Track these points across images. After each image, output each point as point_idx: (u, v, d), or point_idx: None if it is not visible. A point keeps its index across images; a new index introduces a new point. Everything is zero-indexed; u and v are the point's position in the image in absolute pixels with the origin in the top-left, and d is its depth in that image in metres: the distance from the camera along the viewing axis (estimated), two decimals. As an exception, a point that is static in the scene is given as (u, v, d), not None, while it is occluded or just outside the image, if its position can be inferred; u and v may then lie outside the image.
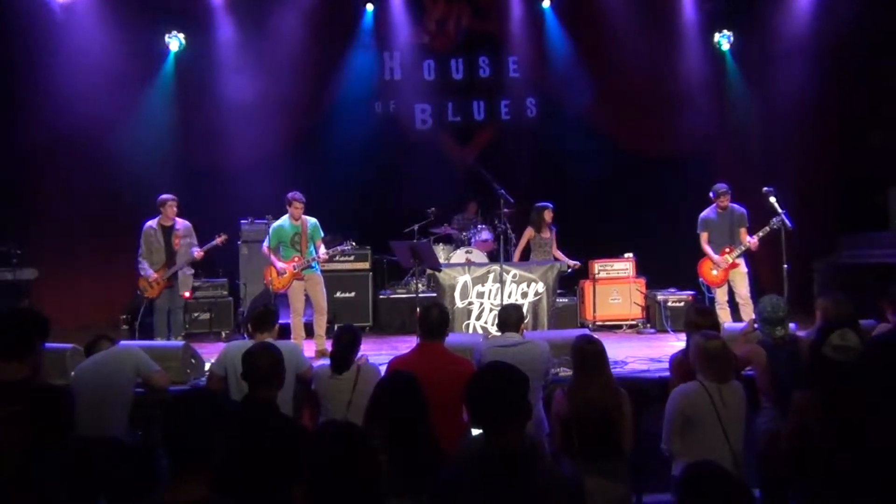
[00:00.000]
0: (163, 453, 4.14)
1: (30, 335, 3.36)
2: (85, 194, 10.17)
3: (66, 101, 9.95)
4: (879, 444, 3.13)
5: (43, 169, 10.16)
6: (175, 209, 8.23)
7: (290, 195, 8.05)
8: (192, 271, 8.54)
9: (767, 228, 7.93)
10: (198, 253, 8.22)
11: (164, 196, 8.23)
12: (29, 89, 9.88)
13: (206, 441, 2.43)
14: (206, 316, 9.54)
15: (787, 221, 7.74)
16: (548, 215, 9.13)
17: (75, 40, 9.87)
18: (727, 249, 8.22)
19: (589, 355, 4.33)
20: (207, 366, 6.30)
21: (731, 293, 8.29)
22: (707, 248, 8.31)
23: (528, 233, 9.22)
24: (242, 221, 9.88)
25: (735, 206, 8.33)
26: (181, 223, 8.30)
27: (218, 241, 8.35)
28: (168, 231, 8.23)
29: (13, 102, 9.80)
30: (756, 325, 5.08)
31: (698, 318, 4.86)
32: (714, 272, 8.27)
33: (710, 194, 8.37)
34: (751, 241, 8.11)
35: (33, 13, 9.69)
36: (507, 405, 2.68)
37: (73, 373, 5.47)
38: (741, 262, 8.23)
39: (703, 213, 8.43)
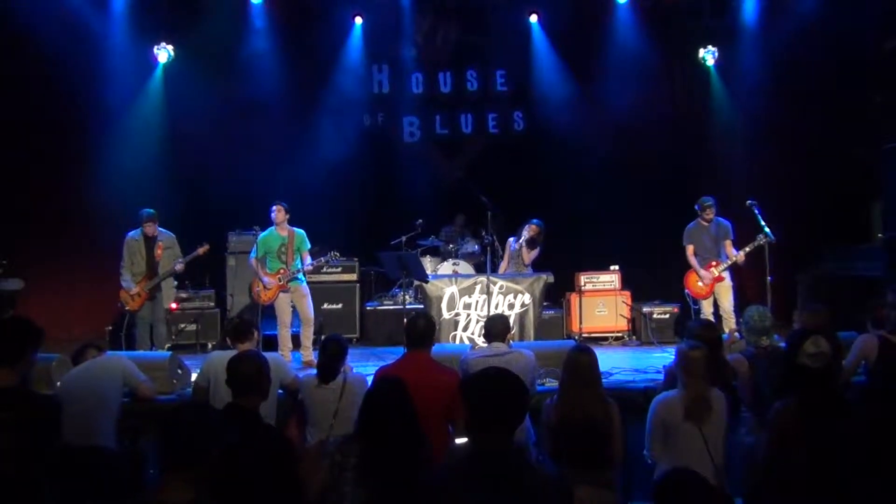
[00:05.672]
0: (149, 462, 4.17)
1: (23, 343, 3.38)
2: (72, 205, 10.15)
3: (52, 110, 9.97)
4: (855, 450, 3.19)
5: (29, 179, 10.13)
6: (153, 227, 8.20)
7: (271, 207, 8.12)
8: (176, 283, 8.54)
9: (755, 244, 8.01)
10: (179, 266, 8.23)
11: (145, 212, 8.23)
12: (15, 98, 9.86)
13: (198, 448, 2.55)
14: (192, 327, 9.52)
15: (769, 234, 7.83)
16: (526, 231, 9.13)
17: (63, 51, 9.86)
18: (713, 263, 8.30)
19: (582, 365, 4.36)
20: (194, 376, 6.30)
21: (714, 306, 8.36)
22: (693, 261, 8.39)
23: (507, 244, 9.28)
24: (230, 233, 9.90)
25: (720, 219, 8.41)
26: (164, 233, 8.31)
27: (200, 251, 8.35)
28: (151, 241, 8.23)
29: (1, 113, 9.77)
30: (738, 335, 5.14)
31: (702, 332, 4.87)
32: (700, 284, 8.35)
33: (696, 207, 8.46)
34: (736, 255, 8.19)
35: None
36: (506, 408, 2.72)
37: (58, 382, 5.48)
38: (726, 275, 8.31)
39: (689, 226, 8.52)
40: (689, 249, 8.44)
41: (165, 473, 2.55)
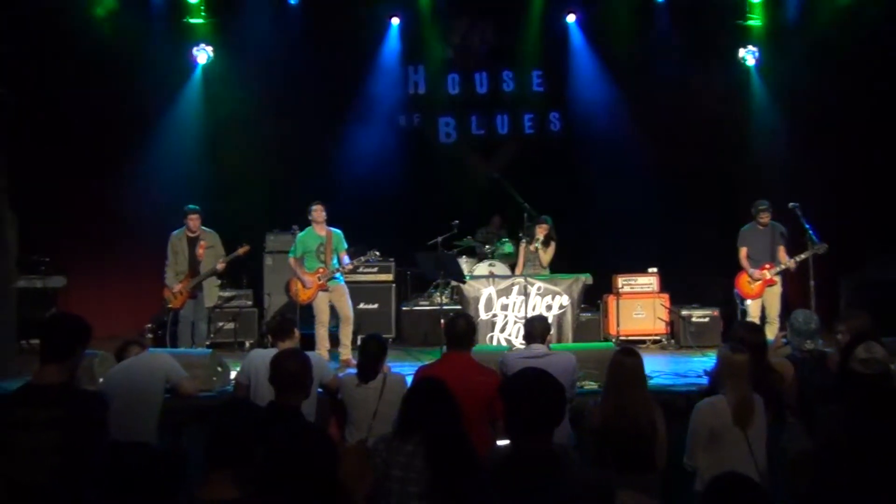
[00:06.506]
0: (191, 459, 4.19)
1: (72, 340, 3.42)
2: (112, 204, 10.30)
3: (94, 110, 10.11)
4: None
5: (71, 179, 10.30)
6: (196, 221, 8.31)
7: (310, 206, 8.19)
8: (219, 282, 8.63)
9: (809, 252, 7.88)
10: (220, 265, 8.30)
11: (187, 207, 8.35)
12: (59, 99, 10.02)
13: (244, 445, 2.59)
14: (230, 326, 9.60)
15: (814, 237, 7.71)
16: (538, 230, 8.97)
17: (104, 52, 10.01)
18: (767, 266, 8.20)
19: (627, 368, 4.30)
20: (233, 374, 6.36)
21: (761, 311, 8.25)
22: (745, 263, 8.32)
23: (522, 245, 9.15)
24: (268, 232, 9.98)
25: (776, 224, 8.32)
26: (207, 232, 8.40)
27: (240, 251, 8.42)
28: (193, 241, 8.33)
29: (45, 113, 9.93)
30: (784, 340, 5.05)
31: (747, 335, 4.76)
32: (751, 284, 8.25)
33: (752, 210, 8.36)
34: (789, 261, 8.08)
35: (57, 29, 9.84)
36: (544, 410, 2.71)
37: (101, 378, 5.55)
38: (778, 280, 8.21)
39: (744, 228, 8.44)
40: (743, 252, 8.36)
41: (211, 471, 2.56)
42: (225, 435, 2.56)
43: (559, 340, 7.90)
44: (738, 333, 4.95)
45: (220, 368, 6.54)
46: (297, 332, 5.34)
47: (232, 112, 10.69)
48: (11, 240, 7.99)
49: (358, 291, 9.55)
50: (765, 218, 8.27)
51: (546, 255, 8.95)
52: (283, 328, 5.23)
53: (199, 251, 8.29)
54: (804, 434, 4.41)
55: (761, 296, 8.22)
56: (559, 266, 9.09)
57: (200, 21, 10.72)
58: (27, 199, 8.61)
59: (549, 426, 2.82)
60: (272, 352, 4.70)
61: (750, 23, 10.99)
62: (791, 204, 7.97)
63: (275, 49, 10.79)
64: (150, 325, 9.23)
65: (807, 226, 7.82)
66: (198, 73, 10.90)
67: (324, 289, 8.04)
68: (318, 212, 8.16)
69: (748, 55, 10.98)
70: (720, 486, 2.63)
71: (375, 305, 9.98)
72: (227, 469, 2.56)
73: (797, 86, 10.53)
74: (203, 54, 10.80)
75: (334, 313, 8.16)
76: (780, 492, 4.33)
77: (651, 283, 9.65)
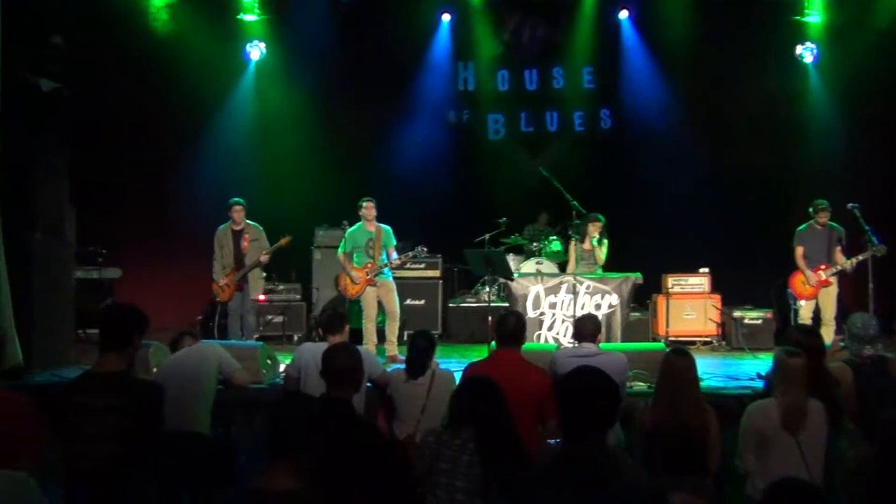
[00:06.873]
0: (241, 450, 4.25)
1: (130, 329, 3.50)
2: (167, 197, 10.49)
3: (148, 106, 10.31)
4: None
5: (127, 174, 10.52)
6: (240, 214, 8.39)
7: (361, 202, 8.24)
8: (264, 274, 8.71)
9: (867, 254, 7.69)
10: (264, 257, 8.37)
11: (231, 200, 8.44)
12: (114, 96, 10.23)
13: (303, 436, 2.61)
14: (279, 319, 9.71)
15: (873, 238, 7.52)
16: (592, 228, 8.76)
17: (159, 47, 10.18)
18: (822, 267, 8.03)
19: (680, 369, 4.24)
20: (282, 366, 6.42)
21: (815, 312, 8.08)
22: (801, 263, 8.15)
23: (572, 244, 8.97)
24: (317, 227, 10.06)
25: (834, 224, 8.13)
26: (251, 226, 8.48)
27: (282, 242, 8.45)
28: (238, 234, 8.42)
29: (100, 107, 10.14)
30: (842, 344, 4.93)
31: (803, 338, 4.65)
32: (805, 285, 8.10)
33: (809, 209, 8.20)
34: (846, 262, 7.90)
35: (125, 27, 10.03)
36: (600, 410, 2.69)
37: (155, 368, 5.65)
38: (834, 280, 8.03)
39: (800, 228, 8.27)
40: (799, 251, 8.18)
41: (271, 460, 2.60)
42: (284, 425, 2.60)
43: (608, 340, 7.79)
44: (793, 336, 4.85)
45: (269, 361, 6.61)
46: (347, 327, 5.38)
47: (283, 108, 10.81)
48: (70, 232, 8.17)
49: (405, 287, 9.56)
50: (823, 218, 8.08)
51: (601, 253, 8.85)
52: (334, 322, 5.27)
53: (244, 244, 8.38)
54: (863, 440, 4.30)
55: (815, 297, 8.05)
56: (609, 265, 8.99)
57: (254, 18, 10.82)
58: (85, 192, 8.81)
59: (604, 427, 2.79)
60: (322, 345, 4.75)
61: (807, 19, 10.75)
62: (850, 205, 7.79)
63: (326, 45, 10.86)
64: (200, 318, 9.40)
65: (866, 227, 7.62)
66: (251, 69, 11.02)
67: (372, 284, 8.09)
68: (368, 208, 8.21)
69: (806, 52, 10.73)
70: (778, 491, 2.58)
71: (422, 302, 9.99)
72: (286, 460, 2.59)
73: (857, 83, 10.26)
74: (256, 51, 10.91)
75: (381, 309, 8.21)
76: (837, 498, 4.23)
77: (702, 284, 9.48)
